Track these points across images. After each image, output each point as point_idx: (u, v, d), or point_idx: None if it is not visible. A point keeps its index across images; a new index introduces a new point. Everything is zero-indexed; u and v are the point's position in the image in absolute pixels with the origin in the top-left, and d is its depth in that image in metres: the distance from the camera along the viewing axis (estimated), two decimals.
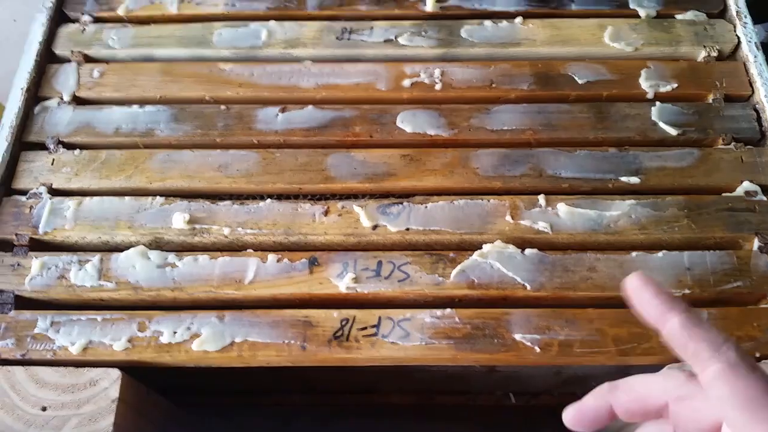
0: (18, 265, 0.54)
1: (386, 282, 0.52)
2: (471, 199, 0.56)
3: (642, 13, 0.66)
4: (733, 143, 0.59)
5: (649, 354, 0.49)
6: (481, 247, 0.53)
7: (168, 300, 0.52)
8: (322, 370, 0.51)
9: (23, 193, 0.57)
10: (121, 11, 0.67)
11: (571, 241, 0.54)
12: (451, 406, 0.65)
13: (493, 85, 0.61)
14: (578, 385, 0.60)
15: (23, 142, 0.60)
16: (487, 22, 0.64)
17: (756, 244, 0.53)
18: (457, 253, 0.53)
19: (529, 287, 0.51)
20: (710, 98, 0.61)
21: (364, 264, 0.53)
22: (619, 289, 0.50)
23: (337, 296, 0.52)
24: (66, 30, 0.66)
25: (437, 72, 0.62)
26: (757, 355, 0.49)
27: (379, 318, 0.50)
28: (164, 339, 0.50)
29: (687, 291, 0.51)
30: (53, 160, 0.59)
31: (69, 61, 0.65)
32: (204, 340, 0.49)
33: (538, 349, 0.49)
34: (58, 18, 0.67)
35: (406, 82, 0.62)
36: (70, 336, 0.50)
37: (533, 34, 0.64)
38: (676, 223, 0.54)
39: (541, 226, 0.54)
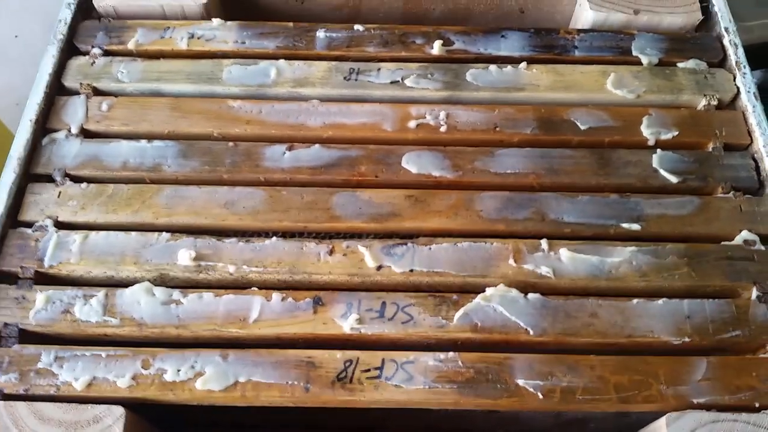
0: (23, 298, 0.54)
1: (390, 323, 0.52)
2: (474, 241, 0.56)
3: (644, 60, 0.67)
4: (732, 192, 0.60)
5: (649, 402, 0.49)
6: (484, 290, 0.54)
7: (172, 337, 0.52)
8: (324, 411, 0.51)
9: (29, 225, 0.57)
10: (131, 45, 0.67)
11: (573, 286, 0.54)
12: None
13: (497, 129, 0.62)
14: (578, 426, 0.61)
15: (30, 174, 0.60)
16: (492, 67, 0.66)
17: (754, 293, 0.54)
18: (460, 296, 0.54)
19: (531, 332, 0.52)
20: (710, 147, 0.62)
21: (368, 305, 0.53)
22: (621, 335, 0.52)
23: (341, 337, 0.52)
24: (76, 62, 0.67)
25: (442, 114, 0.63)
26: (756, 405, 0.49)
27: (383, 360, 0.50)
28: (168, 377, 0.50)
29: (686, 339, 0.52)
30: (60, 192, 0.59)
31: (78, 93, 0.65)
32: (208, 379, 0.50)
33: (540, 396, 0.49)
34: (69, 50, 0.68)
35: (412, 124, 0.63)
36: (73, 371, 0.50)
37: (537, 79, 0.65)
38: (677, 270, 0.55)
39: (544, 270, 0.54)
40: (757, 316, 0.53)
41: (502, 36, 0.68)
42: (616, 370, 0.50)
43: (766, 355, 0.52)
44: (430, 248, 0.56)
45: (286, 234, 0.57)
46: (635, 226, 0.57)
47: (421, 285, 0.55)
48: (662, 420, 0.49)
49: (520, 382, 0.50)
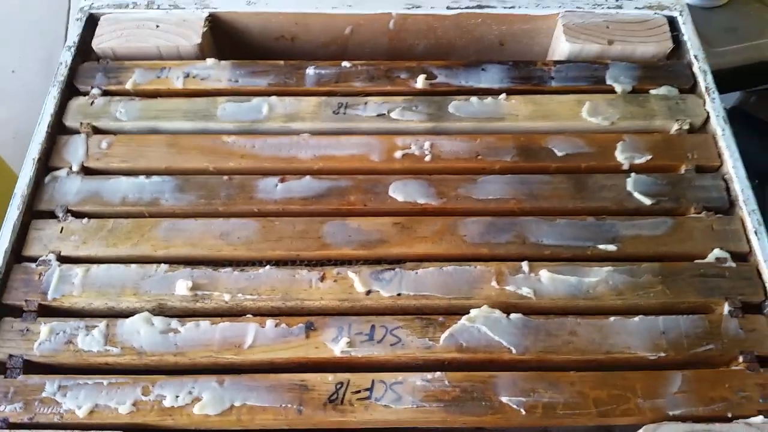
0: (27, 330, 0.56)
1: (379, 346, 0.55)
2: (459, 265, 0.59)
3: (618, 88, 0.70)
4: (704, 212, 0.62)
5: (627, 415, 0.52)
6: (468, 312, 0.56)
7: (170, 364, 0.55)
8: (319, 430, 0.53)
9: (33, 260, 0.60)
10: (128, 85, 0.71)
11: (553, 305, 0.57)
12: None
13: (479, 157, 0.65)
14: None
15: (34, 211, 0.63)
16: (473, 99, 0.69)
17: (726, 308, 0.57)
18: (446, 318, 0.56)
19: (514, 351, 0.54)
20: (682, 169, 0.65)
21: (358, 328, 0.56)
22: (599, 352, 0.54)
23: (332, 360, 0.54)
24: (76, 103, 0.70)
25: (427, 144, 0.66)
26: (729, 415, 0.52)
27: (373, 381, 0.53)
28: (167, 403, 0.52)
29: (662, 354, 0.54)
30: (62, 228, 0.62)
31: (78, 132, 0.68)
32: (205, 405, 0.52)
33: (523, 412, 0.52)
34: (69, 91, 0.71)
35: (398, 154, 0.65)
36: (76, 399, 0.53)
37: (516, 109, 0.68)
38: (652, 288, 0.57)
39: (525, 291, 0.57)
40: (729, 330, 0.56)
41: (482, 69, 0.71)
42: (595, 385, 0.53)
43: (739, 368, 0.54)
44: (416, 273, 0.58)
45: (279, 262, 0.60)
46: (611, 247, 0.60)
47: (408, 308, 0.57)
48: None
49: (504, 399, 0.52)
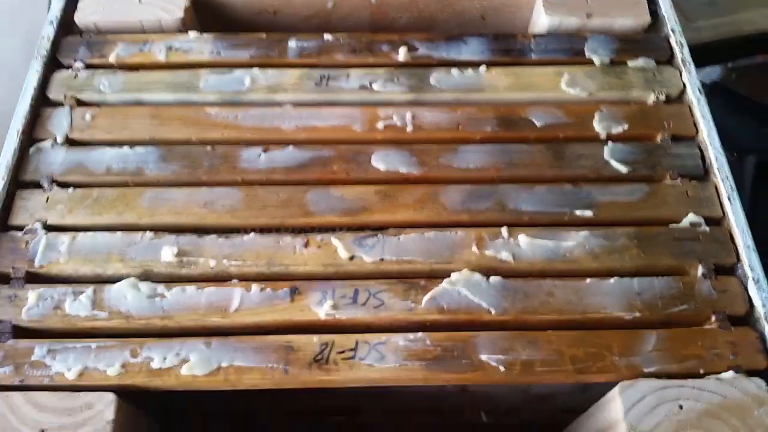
0: (15, 296, 0.57)
1: (362, 308, 0.56)
2: (440, 231, 0.60)
3: (596, 60, 0.71)
4: (679, 179, 0.64)
5: (603, 372, 0.53)
6: (449, 276, 0.57)
7: (158, 328, 0.56)
8: (306, 393, 0.55)
9: (19, 228, 0.60)
10: (112, 59, 0.71)
11: (531, 269, 0.58)
12: (427, 425, 0.69)
13: (460, 128, 0.66)
14: (546, 402, 0.64)
15: (19, 181, 0.63)
16: (454, 70, 0.70)
17: (700, 270, 0.59)
18: (427, 281, 0.57)
19: (493, 312, 0.56)
20: (659, 138, 0.67)
21: (341, 292, 0.57)
22: (576, 312, 0.56)
23: (317, 322, 0.56)
24: (60, 76, 0.70)
25: (408, 115, 0.67)
26: (701, 371, 0.54)
27: (357, 342, 0.54)
28: (155, 365, 0.53)
29: (637, 314, 0.56)
30: (48, 197, 0.62)
31: (62, 104, 0.68)
32: (192, 365, 0.53)
33: (502, 369, 0.53)
34: (52, 65, 0.71)
35: (380, 125, 0.66)
36: (66, 362, 0.53)
37: (496, 81, 0.69)
38: (627, 252, 0.59)
39: (504, 255, 0.58)
40: (702, 291, 0.58)
41: (464, 42, 0.72)
42: (572, 343, 0.54)
43: (711, 327, 0.56)
44: (398, 239, 0.60)
45: (263, 230, 0.61)
46: (588, 213, 0.61)
47: (390, 273, 0.58)
48: (616, 389, 0.53)
49: (484, 357, 0.53)
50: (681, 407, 0.51)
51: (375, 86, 0.69)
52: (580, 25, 0.74)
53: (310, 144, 0.65)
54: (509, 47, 0.72)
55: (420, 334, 0.55)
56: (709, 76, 1.03)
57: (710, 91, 0.92)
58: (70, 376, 0.53)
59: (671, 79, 0.71)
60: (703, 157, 0.66)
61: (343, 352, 0.54)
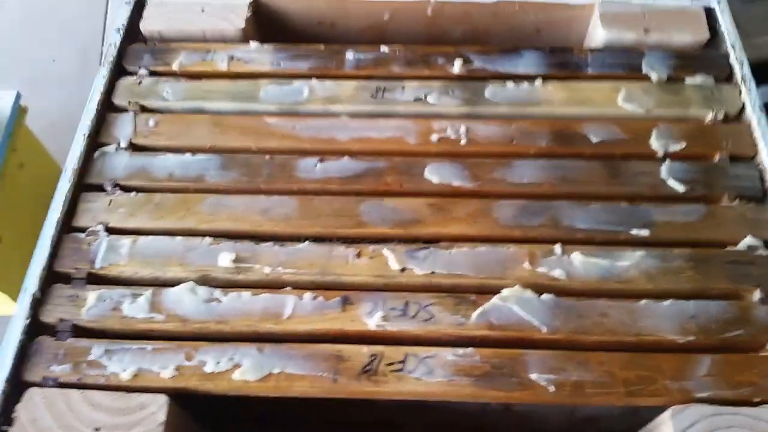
0: (76, 296, 0.59)
1: (412, 321, 0.56)
2: (492, 246, 0.60)
3: (654, 77, 0.71)
4: (737, 200, 0.63)
5: (655, 395, 0.53)
6: (500, 291, 0.58)
7: (213, 332, 0.57)
8: (350, 403, 0.55)
9: (82, 230, 0.63)
10: (175, 66, 0.73)
11: (585, 288, 0.58)
12: None
13: (514, 142, 0.66)
14: (591, 424, 0.64)
15: (83, 184, 0.66)
16: (510, 84, 0.70)
17: (757, 295, 0.57)
18: (478, 296, 0.57)
19: (545, 330, 0.56)
20: (716, 158, 0.66)
21: (392, 304, 0.57)
22: (629, 334, 0.55)
23: (367, 333, 0.56)
24: (125, 82, 0.73)
25: (462, 128, 0.67)
26: (756, 399, 0.52)
27: (406, 354, 0.55)
28: (208, 368, 0.55)
29: (691, 338, 0.55)
30: (110, 201, 0.64)
31: (127, 110, 0.71)
32: (245, 371, 0.54)
33: (552, 389, 0.53)
34: (118, 71, 0.74)
35: (434, 137, 0.67)
36: (122, 363, 0.55)
37: (552, 95, 0.69)
38: (683, 274, 0.58)
39: (557, 273, 0.58)
40: (759, 316, 0.56)
41: (519, 55, 0.72)
42: (624, 366, 0.54)
43: (767, 354, 0.55)
44: (450, 252, 0.60)
45: (317, 239, 0.62)
46: (644, 232, 0.60)
47: (441, 286, 0.59)
48: (667, 413, 0.52)
49: (533, 376, 0.53)
50: None
51: (430, 99, 0.70)
52: (638, 40, 0.73)
53: (365, 155, 0.66)
54: (565, 61, 0.72)
55: (469, 349, 0.55)
56: (765, 95, 1.00)
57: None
58: (125, 376, 0.55)
59: (730, 97, 0.69)
60: (762, 179, 0.64)
61: (392, 364, 0.54)
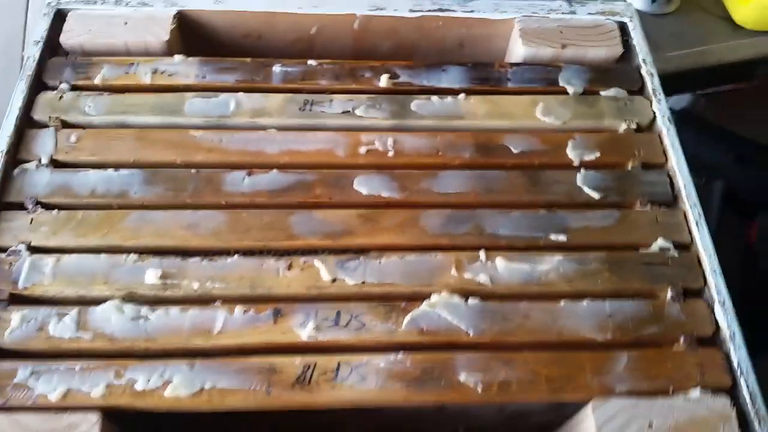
0: None
1: (344, 330, 0.57)
2: (420, 255, 0.62)
3: (570, 90, 0.74)
4: (649, 205, 0.67)
5: (577, 391, 0.55)
6: (429, 298, 0.59)
7: (142, 350, 0.56)
8: (286, 414, 0.56)
9: (3, 250, 0.61)
10: (97, 80, 0.72)
11: (508, 292, 0.60)
12: None
13: (440, 153, 0.68)
14: (521, 420, 0.66)
15: (3, 203, 0.64)
16: (434, 98, 0.72)
17: (669, 294, 0.61)
18: (408, 304, 0.59)
19: (471, 333, 0.57)
20: (629, 165, 0.69)
21: (324, 314, 0.58)
22: (550, 334, 0.58)
23: (300, 344, 0.57)
24: (45, 97, 0.71)
25: (390, 141, 0.69)
26: (671, 389, 0.56)
27: (339, 363, 0.55)
28: (139, 386, 0.54)
29: (609, 336, 0.58)
30: (32, 219, 0.63)
31: (47, 126, 0.69)
32: (176, 387, 0.54)
33: (480, 389, 0.55)
34: (37, 86, 0.72)
35: (362, 149, 0.68)
36: (50, 384, 0.54)
37: (474, 108, 0.72)
38: (599, 275, 0.61)
39: (482, 278, 0.60)
40: (672, 314, 0.60)
41: (443, 70, 0.75)
42: (547, 364, 0.56)
43: (679, 348, 0.58)
44: (380, 262, 0.61)
45: (246, 252, 0.62)
46: (562, 237, 0.63)
47: (372, 295, 0.60)
48: (589, 406, 0.55)
49: (462, 377, 0.55)
50: (651, 424, 0.53)
51: (357, 112, 0.71)
52: (555, 55, 0.77)
53: (294, 168, 0.67)
54: (487, 76, 0.75)
55: (400, 355, 0.56)
56: (679, 103, 1.07)
57: (680, 117, 0.96)
58: (54, 397, 0.53)
59: (642, 108, 0.73)
60: (672, 185, 0.68)
61: (325, 373, 0.55)
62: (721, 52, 0.98)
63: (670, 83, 0.82)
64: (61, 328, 0.57)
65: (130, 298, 0.59)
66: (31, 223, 0.62)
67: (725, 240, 0.87)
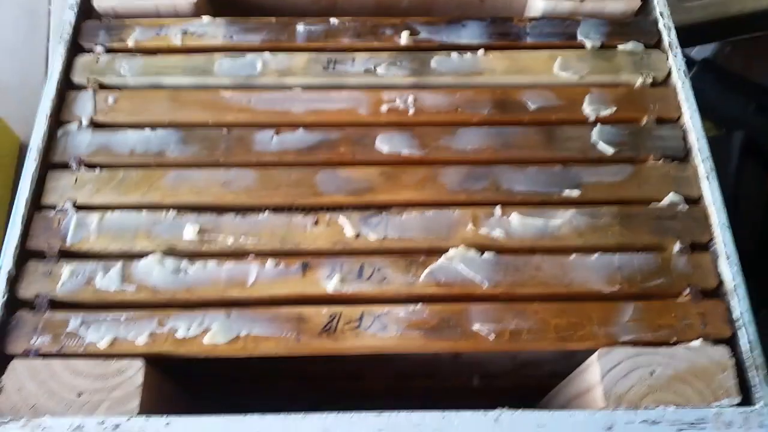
0: (50, 272, 0.62)
1: (367, 283, 0.62)
2: (439, 210, 0.65)
3: (588, 44, 0.75)
4: (662, 159, 0.69)
5: (584, 340, 0.59)
6: (447, 251, 0.63)
7: (182, 300, 0.61)
8: (314, 360, 0.61)
9: (51, 208, 0.66)
10: (130, 43, 0.75)
11: (522, 245, 0.64)
12: (424, 388, 0.75)
13: (459, 110, 0.71)
14: (532, 368, 0.71)
15: (49, 163, 0.68)
16: (454, 54, 0.74)
17: (677, 247, 0.64)
18: (426, 257, 0.63)
19: (486, 285, 0.61)
20: (644, 120, 0.71)
21: (348, 268, 0.62)
22: (561, 285, 0.61)
23: (326, 295, 0.61)
24: (82, 60, 0.74)
25: (410, 98, 0.71)
26: (673, 340, 0.59)
27: (362, 313, 0.60)
28: (180, 334, 0.59)
29: (617, 287, 0.62)
30: (76, 178, 0.67)
31: (86, 88, 0.73)
32: (214, 334, 0.59)
33: (492, 337, 0.59)
34: (74, 49, 0.75)
35: (384, 108, 0.71)
36: (98, 332, 0.59)
37: (493, 64, 0.73)
38: (610, 229, 0.64)
39: (497, 233, 0.64)
40: (678, 266, 0.63)
41: (463, 25, 0.76)
42: (556, 314, 0.60)
43: (684, 299, 0.62)
44: (401, 218, 0.65)
45: (276, 209, 0.66)
46: (575, 192, 0.66)
47: (393, 249, 0.64)
48: (594, 355, 0.58)
49: (476, 326, 0.59)
50: (653, 372, 0.57)
51: (379, 70, 0.73)
52: (574, 9, 0.78)
53: (319, 126, 0.70)
54: (506, 31, 0.76)
55: (419, 306, 0.60)
56: (702, 52, 1.06)
57: (702, 66, 0.96)
58: (102, 344, 0.59)
59: (658, 62, 0.74)
60: (685, 139, 0.70)
61: (349, 322, 0.59)
62: (745, 1, 0.97)
63: (692, 34, 0.82)
64: (107, 281, 0.62)
65: (170, 252, 0.64)
66: (75, 182, 0.67)
67: (746, 190, 0.88)
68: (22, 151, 1.17)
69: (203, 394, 0.69)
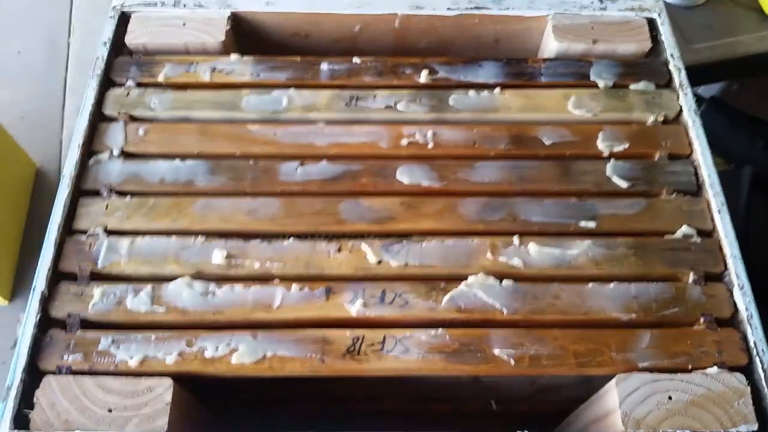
0: (82, 293, 0.64)
1: (389, 307, 0.63)
2: (458, 239, 0.67)
3: (601, 84, 0.78)
4: (674, 194, 0.71)
5: (602, 366, 0.60)
6: (466, 279, 0.65)
7: (210, 322, 0.63)
8: (336, 381, 0.62)
9: (83, 233, 0.68)
10: (160, 78, 0.78)
11: (540, 274, 0.65)
12: (442, 412, 0.76)
13: (476, 145, 0.74)
14: (550, 393, 0.71)
15: (81, 190, 0.71)
16: (471, 92, 0.77)
17: (691, 277, 0.65)
18: (446, 284, 0.64)
19: (505, 312, 0.63)
20: (656, 156, 0.74)
21: (371, 293, 0.64)
22: (579, 313, 0.63)
23: (349, 319, 0.63)
24: (113, 93, 0.77)
25: (430, 133, 0.74)
26: (690, 366, 0.60)
27: (384, 336, 0.61)
28: (208, 354, 0.61)
29: (633, 315, 0.63)
30: (107, 205, 0.70)
31: (117, 120, 0.76)
32: (241, 354, 0.60)
33: (512, 362, 0.60)
34: (106, 83, 0.79)
35: (404, 141, 0.74)
36: (128, 351, 0.61)
37: (509, 102, 0.76)
38: (626, 260, 0.66)
39: (515, 262, 0.66)
40: (693, 296, 0.64)
41: (479, 65, 0.79)
42: (575, 340, 0.61)
43: (699, 328, 0.63)
44: (421, 245, 0.67)
45: (300, 236, 0.68)
46: (591, 224, 0.68)
47: (414, 275, 0.66)
48: (613, 381, 0.60)
49: (496, 351, 0.61)
50: (670, 398, 0.58)
51: (399, 106, 0.76)
52: (586, 50, 0.81)
53: (342, 159, 0.73)
54: (521, 71, 0.80)
55: (440, 330, 0.62)
56: (709, 90, 1.10)
57: (710, 104, 0.99)
58: (133, 363, 0.60)
59: (669, 101, 0.77)
60: (696, 174, 0.72)
61: (372, 345, 0.61)
62: (750, 42, 1.00)
63: (701, 74, 0.85)
64: (137, 302, 0.63)
65: (199, 275, 0.65)
66: (106, 208, 0.69)
67: (756, 224, 0.90)
68: (38, 176, 1.21)
69: (227, 413, 0.70)
